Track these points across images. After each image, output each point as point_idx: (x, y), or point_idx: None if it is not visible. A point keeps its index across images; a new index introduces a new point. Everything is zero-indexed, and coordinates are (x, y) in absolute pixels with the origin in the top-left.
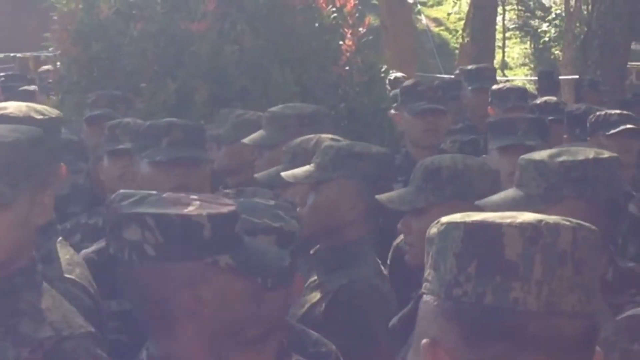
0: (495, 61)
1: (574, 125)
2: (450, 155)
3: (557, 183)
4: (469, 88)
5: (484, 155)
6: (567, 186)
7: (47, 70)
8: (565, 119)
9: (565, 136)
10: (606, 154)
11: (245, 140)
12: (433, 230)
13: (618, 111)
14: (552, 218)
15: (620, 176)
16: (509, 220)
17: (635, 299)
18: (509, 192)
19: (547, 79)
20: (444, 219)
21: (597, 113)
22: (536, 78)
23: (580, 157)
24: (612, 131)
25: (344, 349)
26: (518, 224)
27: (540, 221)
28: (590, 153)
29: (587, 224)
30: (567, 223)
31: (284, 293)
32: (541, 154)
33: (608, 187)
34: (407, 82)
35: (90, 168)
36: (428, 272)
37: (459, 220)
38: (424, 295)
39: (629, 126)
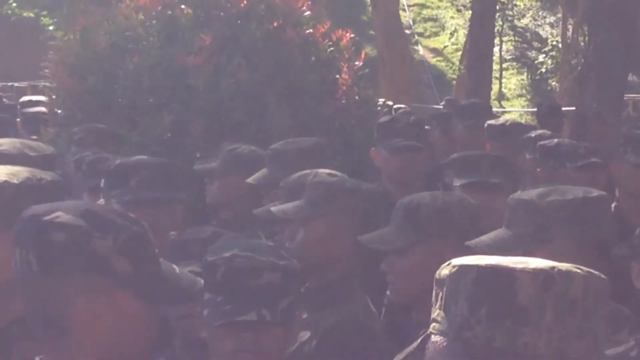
0: (492, 92)
1: (548, 158)
2: (430, 193)
3: (546, 223)
4: (462, 124)
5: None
6: (556, 226)
7: (30, 101)
8: (538, 153)
9: (538, 169)
10: (595, 193)
11: (250, 179)
12: (444, 272)
13: (585, 144)
14: (564, 265)
15: (610, 215)
16: (521, 266)
17: (612, 337)
18: (499, 233)
19: (548, 113)
20: (456, 261)
21: (564, 145)
22: (534, 109)
23: (569, 197)
24: (579, 164)
25: None
26: (531, 270)
27: (553, 268)
28: (579, 192)
29: (597, 273)
30: (579, 271)
31: (285, 330)
32: (530, 194)
33: (597, 227)
34: (383, 119)
35: None
36: (437, 313)
37: (471, 263)
38: (432, 336)
39: (594, 160)
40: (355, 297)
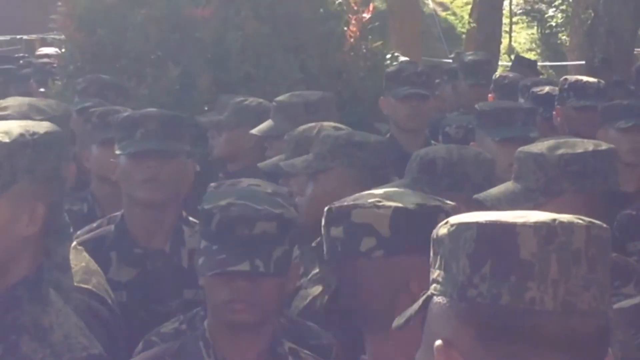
0: (502, 46)
1: (539, 105)
2: (445, 146)
3: (556, 176)
4: (466, 82)
5: (472, 143)
6: (566, 179)
7: (46, 55)
8: (531, 100)
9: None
10: (604, 146)
11: (254, 130)
12: (442, 231)
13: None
14: (565, 217)
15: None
16: (522, 220)
17: (620, 290)
18: (508, 186)
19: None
20: (453, 219)
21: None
22: (544, 63)
23: (579, 150)
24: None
25: (345, 343)
26: (532, 224)
27: (554, 220)
28: (589, 145)
29: (599, 222)
30: (581, 222)
31: (280, 280)
32: (539, 147)
33: (606, 180)
34: (391, 68)
35: (77, 154)
36: (437, 274)
37: (470, 221)
38: (434, 297)
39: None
40: None
